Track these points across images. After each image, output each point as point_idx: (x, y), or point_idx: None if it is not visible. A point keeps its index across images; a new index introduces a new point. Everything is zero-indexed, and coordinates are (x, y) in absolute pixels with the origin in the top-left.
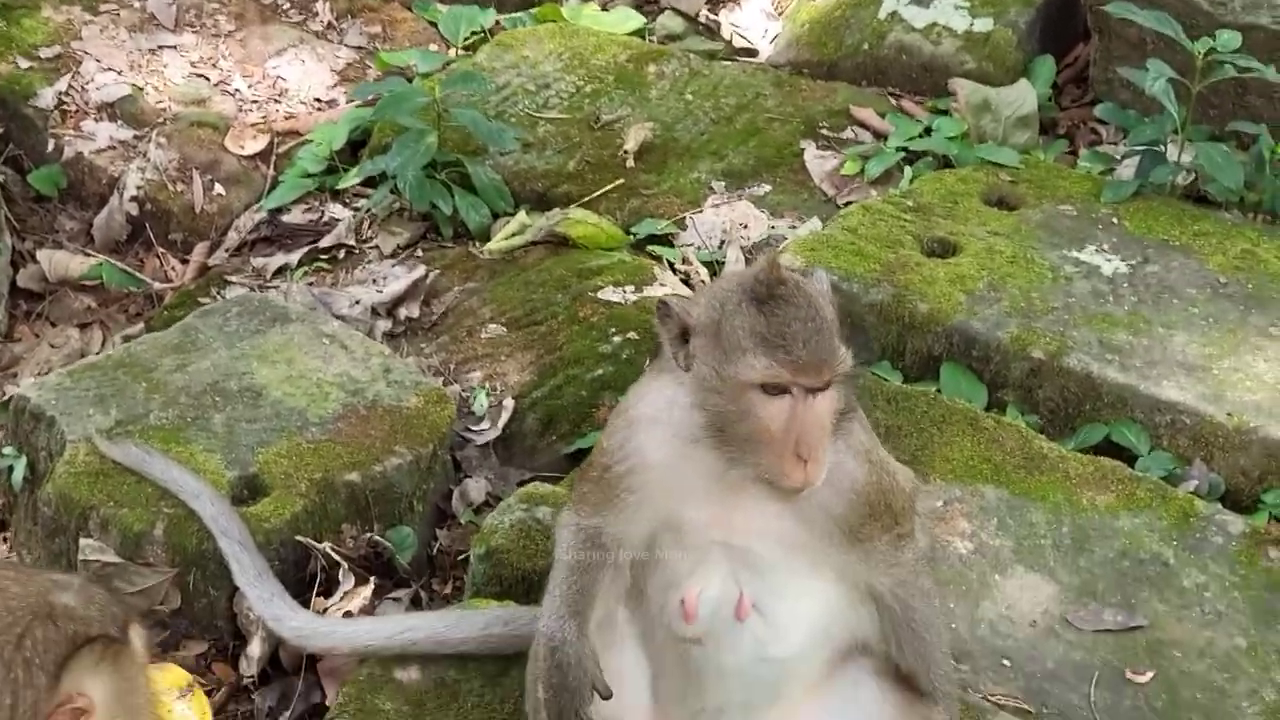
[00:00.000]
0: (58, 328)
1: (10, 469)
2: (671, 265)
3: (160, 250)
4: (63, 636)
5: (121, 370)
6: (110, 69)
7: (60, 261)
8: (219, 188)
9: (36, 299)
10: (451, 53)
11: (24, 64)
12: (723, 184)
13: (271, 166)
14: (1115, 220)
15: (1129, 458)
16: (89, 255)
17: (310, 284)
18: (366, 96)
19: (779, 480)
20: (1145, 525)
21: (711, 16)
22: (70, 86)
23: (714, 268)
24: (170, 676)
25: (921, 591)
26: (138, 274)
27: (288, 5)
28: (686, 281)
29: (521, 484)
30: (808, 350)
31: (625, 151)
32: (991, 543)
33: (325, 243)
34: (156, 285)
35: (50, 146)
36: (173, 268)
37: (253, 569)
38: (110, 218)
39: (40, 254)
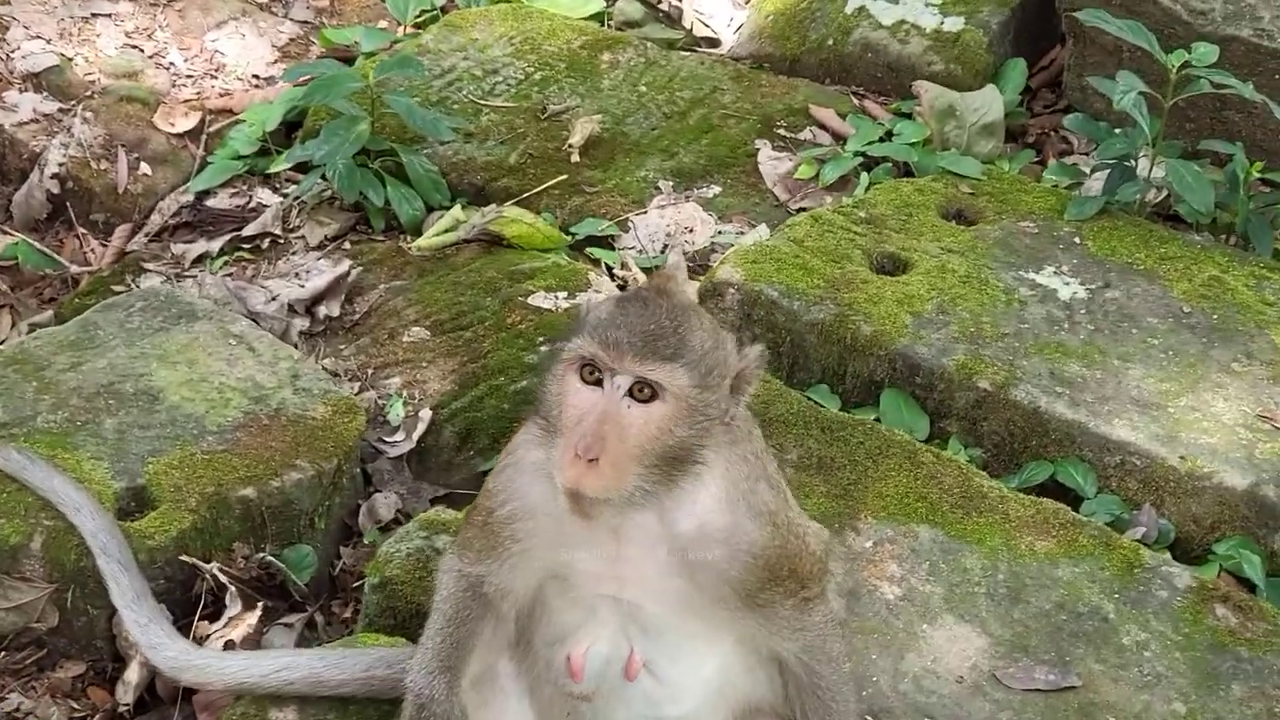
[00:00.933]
0: None
1: None
2: (610, 270)
3: (81, 231)
4: None
5: (12, 367)
6: (39, 36)
7: None
8: (145, 167)
9: None
10: (400, 31)
11: None
12: (671, 183)
13: (202, 147)
14: (1077, 240)
15: (1074, 499)
16: (6, 233)
17: (228, 275)
18: (300, 77)
19: (554, 473)
20: (1086, 575)
21: (674, 3)
22: None
23: (653, 273)
24: None
25: (829, 657)
26: (55, 255)
27: None
28: (623, 288)
29: (434, 501)
30: (623, 333)
31: (570, 145)
32: (922, 589)
33: (249, 231)
34: (74, 268)
35: None
36: (92, 250)
37: (131, 590)
38: (30, 195)
39: None
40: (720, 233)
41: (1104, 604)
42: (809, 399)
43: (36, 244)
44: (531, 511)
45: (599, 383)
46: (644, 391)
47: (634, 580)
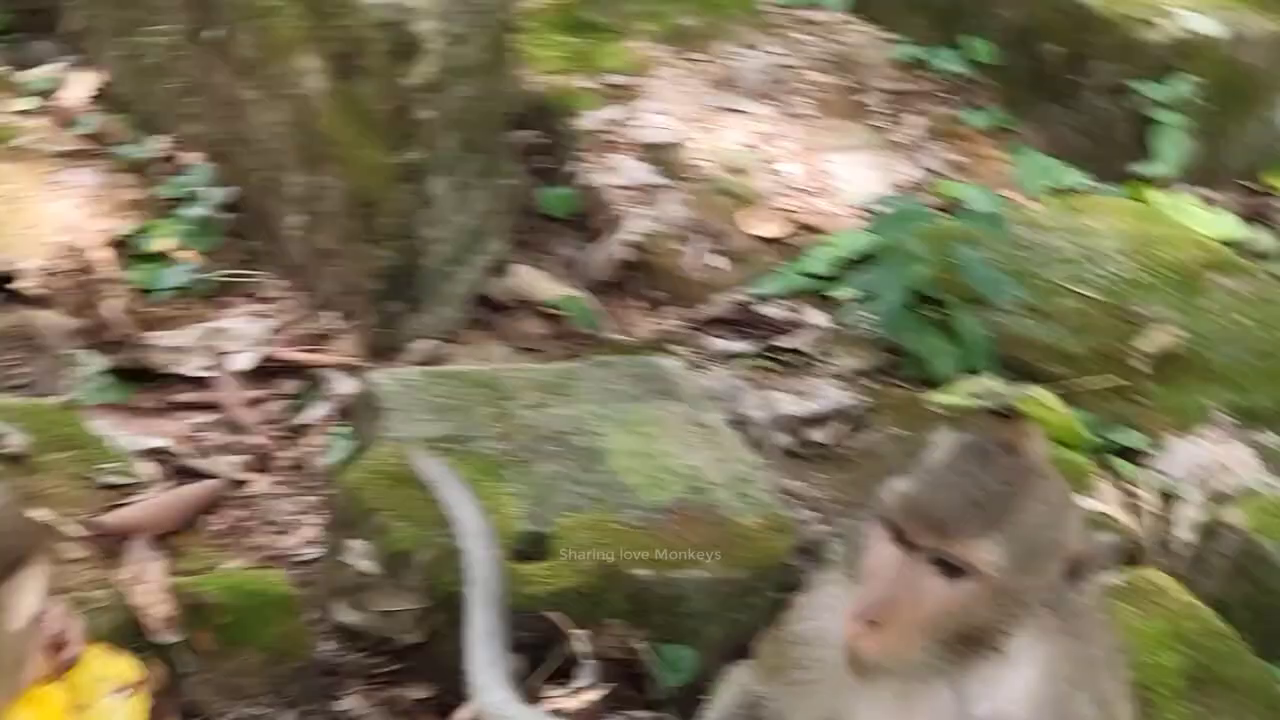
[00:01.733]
0: (497, 345)
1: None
2: (1121, 482)
3: (633, 302)
4: None
5: (480, 388)
6: (666, 113)
7: (528, 280)
8: (717, 260)
9: (497, 310)
10: (1019, 200)
11: (585, 83)
12: (1229, 419)
13: (778, 255)
14: None
15: None
16: (566, 286)
17: (740, 375)
18: (882, 208)
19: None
20: None
21: None
22: (619, 118)
23: (1168, 500)
24: (118, 667)
25: None
26: (600, 319)
27: (883, 109)
28: (1134, 507)
29: None
30: (935, 500)
31: (1139, 351)
32: None
33: (783, 342)
34: (612, 335)
35: (574, 169)
36: (635, 324)
37: (484, 627)
38: (601, 256)
39: (516, 267)
40: (1268, 484)
41: None
42: (1270, 672)
43: (590, 303)
44: (824, 639)
45: (904, 543)
46: (947, 565)
47: None
